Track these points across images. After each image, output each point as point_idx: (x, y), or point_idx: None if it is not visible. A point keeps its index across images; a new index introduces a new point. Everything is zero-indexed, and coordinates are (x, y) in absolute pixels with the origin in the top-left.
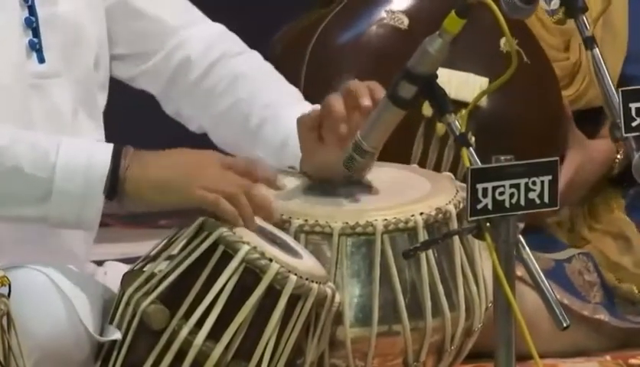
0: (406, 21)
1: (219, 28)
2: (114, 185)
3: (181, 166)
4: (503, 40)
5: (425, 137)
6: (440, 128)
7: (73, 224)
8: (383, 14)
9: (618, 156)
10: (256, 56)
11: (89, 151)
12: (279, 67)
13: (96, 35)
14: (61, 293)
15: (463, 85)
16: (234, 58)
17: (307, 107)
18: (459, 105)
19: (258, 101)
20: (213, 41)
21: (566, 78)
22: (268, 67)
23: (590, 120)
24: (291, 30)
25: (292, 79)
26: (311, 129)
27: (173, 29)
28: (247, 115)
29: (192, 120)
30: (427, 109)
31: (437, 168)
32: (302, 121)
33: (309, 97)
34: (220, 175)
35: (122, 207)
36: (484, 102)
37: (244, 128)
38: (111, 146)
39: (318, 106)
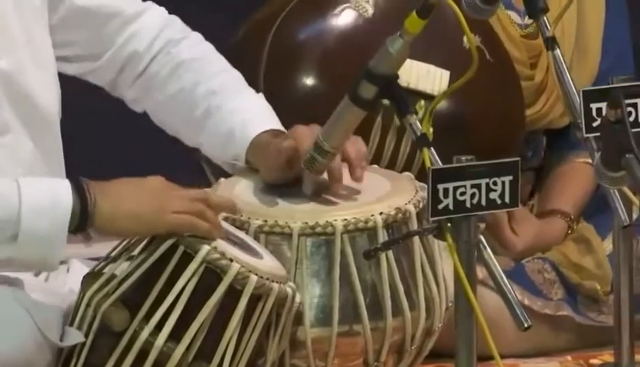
0: (370, 9)
1: (163, 15)
2: (83, 222)
3: (148, 195)
4: (465, 38)
5: (382, 126)
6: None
7: (37, 264)
8: (348, 2)
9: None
10: (198, 40)
11: (52, 190)
12: (240, 55)
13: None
14: (20, 304)
15: (424, 75)
16: (177, 45)
17: (250, 96)
18: (419, 95)
19: (201, 89)
20: (159, 30)
21: (530, 97)
22: (210, 52)
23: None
24: (253, 17)
25: (253, 66)
26: (283, 159)
27: (125, 22)
28: (191, 105)
29: (135, 104)
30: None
31: (394, 157)
32: (277, 150)
33: (270, 84)
34: (181, 194)
35: (86, 239)
36: (444, 100)
37: (188, 117)
38: (68, 183)
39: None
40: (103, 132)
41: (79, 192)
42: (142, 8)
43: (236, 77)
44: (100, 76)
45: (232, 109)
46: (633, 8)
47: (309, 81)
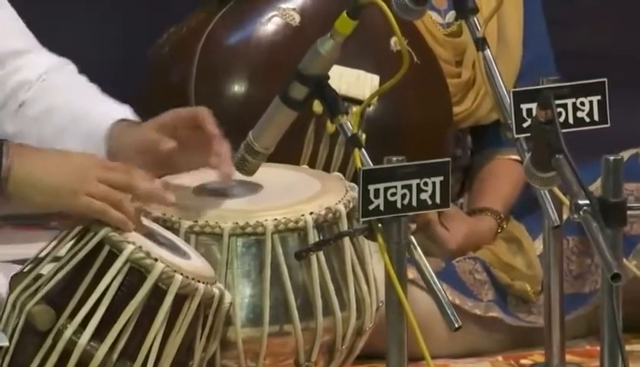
0: (297, 17)
1: (52, 58)
2: None
3: (67, 170)
4: (394, 40)
5: (315, 134)
6: (330, 125)
7: None
8: (275, 11)
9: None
10: (73, 76)
11: None
12: (167, 69)
13: None
14: None
15: (354, 82)
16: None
17: (116, 106)
18: (350, 101)
19: (69, 105)
20: (48, 69)
21: (458, 95)
22: (83, 82)
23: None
24: (177, 31)
25: (182, 79)
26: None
27: (12, 54)
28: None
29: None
30: (317, 106)
31: (327, 166)
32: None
33: (201, 95)
34: (106, 177)
35: (5, 203)
36: (372, 102)
37: (53, 131)
38: None
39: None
40: None
41: None
42: (33, 45)
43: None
44: None
45: (96, 113)
46: (566, 13)
47: (240, 91)
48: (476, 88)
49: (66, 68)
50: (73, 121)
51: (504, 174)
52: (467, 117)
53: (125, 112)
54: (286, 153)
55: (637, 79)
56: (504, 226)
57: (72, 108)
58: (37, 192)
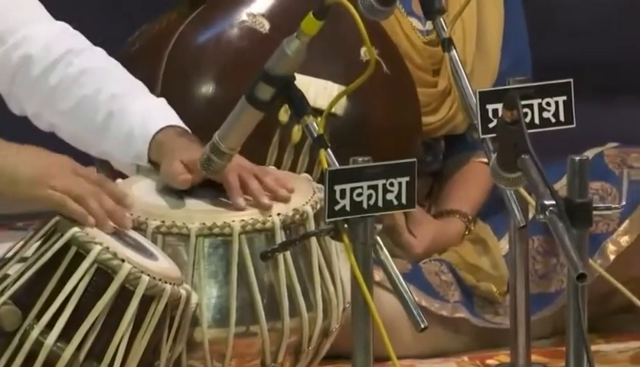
0: (267, 25)
1: (62, 26)
2: None
3: (32, 162)
4: (363, 50)
5: (280, 144)
6: (296, 134)
7: None
8: (245, 17)
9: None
10: (100, 52)
11: None
12: (135, 68)
13: None
14: None
15: (322, 92)
16: (78, 55)
17: (152, 99)
18: (318, 112)
19: (103, 95)
20: (56, 38)
21: (433, 103)
22: (112, 62)
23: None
24: (148, 30)
25: (150, 80)
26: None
27: (14, 25)
28: (94, 111)
29: (39, 118)
30: (283, 116)
31: None
32: (174, 167)
33: (167, 98)
34: (70, 179)
35: None
36: (341, 110)
37: (91, 124)
38: None
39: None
40: None
41: None
42: (40, 16)
43: (138, 84)
44: None
45: (133, 110)
46: (540, 18)
47: (207, 92)
48: (452, 97)
49: (86, 52)
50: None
51: (474, 177)
52: (442, 126)
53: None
54: (251, 161)
55: (607, 82)
56: (472, 228)
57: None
58: (1, 180)
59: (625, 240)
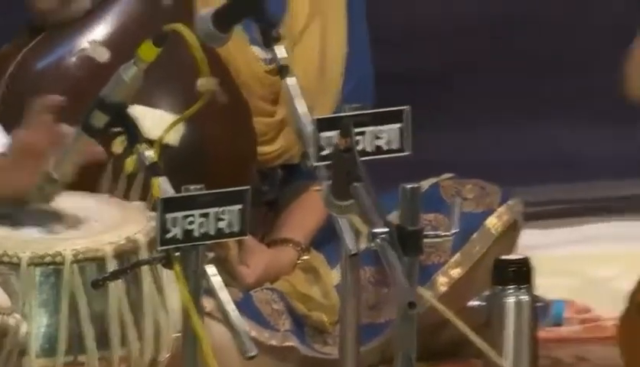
0: (106, 54)
1: None
2: None
3: None
4: (200, 81)
5: (113, 174)
6: (129, 165)
7: None
8: (86, 45)
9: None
10: None
11: None
12: None
13: None
14: None
15: (157, 122)
16: None
17: None
18: (153, 143)
19: None
20: None
21: (270, 133)
22: None
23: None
24: None
25: None
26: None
27: None
28: None
29: None
30: (117, 146)
31: None
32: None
33: (6, 123)
34: None
35: None
36: (177, 140)
37: None
38: None
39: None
40: None
41: None
42: None
43: None
44: None
45: None
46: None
47: None
48: (289, 128)
49: None
50: None
51: (310, 205)
52: (279, 155)
53: None
54: (83, 191)
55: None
56: (305, 257)
57: None
58: None
59: (457, 272)
